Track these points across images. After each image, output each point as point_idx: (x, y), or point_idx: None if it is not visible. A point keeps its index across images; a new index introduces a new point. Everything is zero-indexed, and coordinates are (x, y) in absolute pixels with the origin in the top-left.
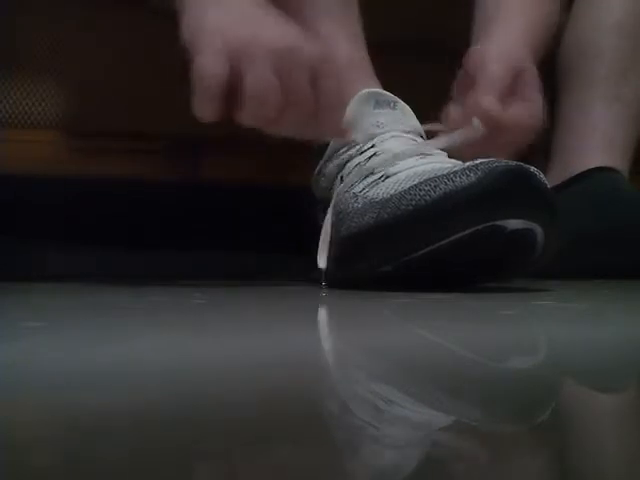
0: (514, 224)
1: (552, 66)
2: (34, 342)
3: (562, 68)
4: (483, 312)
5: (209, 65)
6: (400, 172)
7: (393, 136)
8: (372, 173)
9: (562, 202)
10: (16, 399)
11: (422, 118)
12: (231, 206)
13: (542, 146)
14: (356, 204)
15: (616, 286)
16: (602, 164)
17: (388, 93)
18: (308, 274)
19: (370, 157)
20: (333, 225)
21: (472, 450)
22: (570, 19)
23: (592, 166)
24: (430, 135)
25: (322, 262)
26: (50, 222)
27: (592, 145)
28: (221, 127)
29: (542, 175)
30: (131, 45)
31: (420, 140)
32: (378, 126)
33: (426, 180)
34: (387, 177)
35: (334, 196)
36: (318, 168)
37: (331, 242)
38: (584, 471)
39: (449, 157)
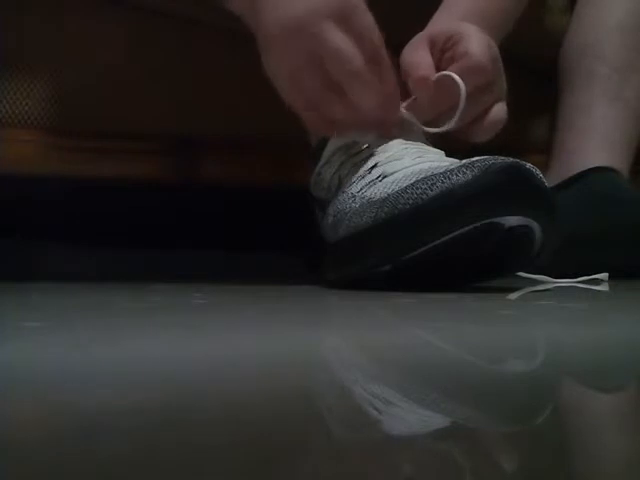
0: (512, 221)
1: (554, 66)
2: (34, 342)
3: (563, 68)
4: (483, 312)
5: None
6: (397, 171)
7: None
8: (369, 173)
9: (562, 201)
10: (16, 399)
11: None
12: (231, 206)
13: (542, 146)
14: (354, 204)
15: (616, 286)
16: (602, 164)
17: None
18: (308, 274)
19: (367, 157)
20: (332, 225)
21: (471, 450)
22: (572, 19)
23: (592, 166)
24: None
25: (322, 262)
26: (50, 222)
27: (592, 145)
28: (221, 127)
29: (539, 171)
30: (131, 45)
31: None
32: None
33: (423, 179)
34: (384, 177)
35: (332, 196)
36: (317, 169)
37: (330, 242)
38: (584, 471)
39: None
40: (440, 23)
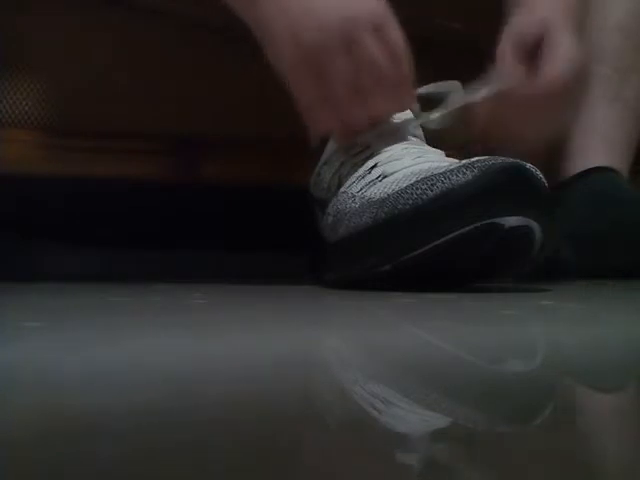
0: (512, 221)
1: None
2: (34, 342)
3: None
4: (483, 312)
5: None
6: (397, 171)
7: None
8: (369, 173)
9: (562, 202)
10: (16, 399)
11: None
12: (231, 206)
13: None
14: (354, 204)
15: (616, 286)
16: (602, 164)
17: None
18: (308, 274)
19: (367, 157)
20: (332, 225)
21: (471, 450)
22: None
23: (592, 166)
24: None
25: (322, 263)
26: (50, 222)
27: (592, 145)
28: (221, 127)
29: (539, 172)
30: (131, 45)
31: (416, 139)
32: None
33: (423, 179)
34: (384, 177)
35: (332, 196)
36: (317, 169)
37: (330, 242)
38: (584, 471)
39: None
40: (526, 18)
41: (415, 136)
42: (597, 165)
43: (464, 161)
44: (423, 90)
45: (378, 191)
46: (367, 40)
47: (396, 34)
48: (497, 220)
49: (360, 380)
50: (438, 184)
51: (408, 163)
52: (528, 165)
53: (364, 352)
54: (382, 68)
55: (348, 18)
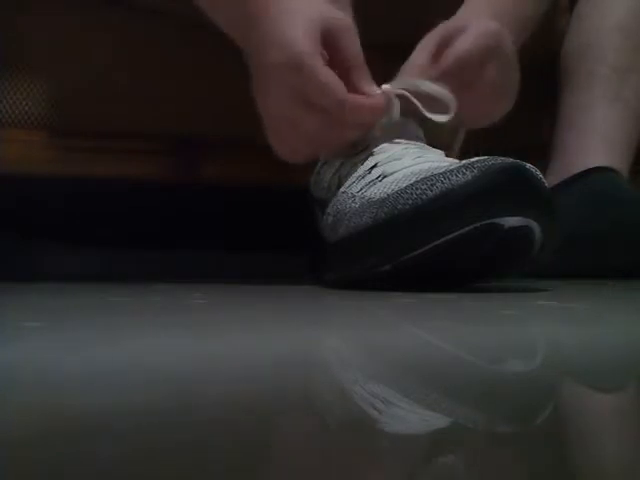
0: (512, 221)
1: (554, 66)
2: (34, 342)
3: (564, 68)
4: (483, 312)
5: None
6: (397, 171)
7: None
8: (369, 173)
9: (561, 202)
10: (16, 399)
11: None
12: (231, 206)
13: (542, 145)
14: (354, 204)
15: (616, 286)
16: (602, 164)
17: None
18: (308, 274)
19: (367, 157)
20: (332, 225)
21: (471, 450)
22: (572, 20)
23: (592, 166)
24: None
25: (322, 263)
26: (50, 222)
27: (592, 145)
28: (221, 127)
29: (539, 172)
30: (131, 45)
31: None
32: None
33: (423, 179)
34: (384, 177)
35: (332, 196)
36: (317, 169)
37: (330, 242)
38: (584, 471)
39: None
40: (456, 20)
41: (415, 136)
42: (597, 165)
43: (464, 161)
44: (425, 87)
45: (378, 191)
46: (317, 67)
47: (351, 45)
48: (497, 220)
49: (360, 380)
50: (438, 184)
51: (408, 163)
52: (528, 165)
53: (364, 352)
54: (337, 91)
55: (300, 46)
